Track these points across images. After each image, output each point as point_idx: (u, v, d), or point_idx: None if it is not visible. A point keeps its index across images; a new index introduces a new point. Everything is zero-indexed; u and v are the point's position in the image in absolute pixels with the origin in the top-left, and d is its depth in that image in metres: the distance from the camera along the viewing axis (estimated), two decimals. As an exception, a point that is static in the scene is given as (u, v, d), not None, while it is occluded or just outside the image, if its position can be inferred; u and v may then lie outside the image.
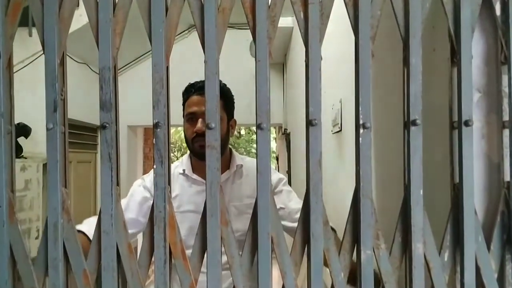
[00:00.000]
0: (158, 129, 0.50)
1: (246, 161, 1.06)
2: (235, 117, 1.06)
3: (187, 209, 0.99)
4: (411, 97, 0.51)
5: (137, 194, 1.00)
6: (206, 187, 0.50)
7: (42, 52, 0.53)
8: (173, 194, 0.99)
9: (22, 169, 2.29)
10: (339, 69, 1.24)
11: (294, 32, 3.28)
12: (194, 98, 0.98)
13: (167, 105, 0.52)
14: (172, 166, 1.05)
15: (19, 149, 2.62)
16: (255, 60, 0.51)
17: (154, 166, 0.50)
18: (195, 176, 1.02)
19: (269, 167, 0.50)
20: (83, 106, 3.74)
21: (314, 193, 0.50)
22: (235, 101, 1.06)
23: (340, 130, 1.34)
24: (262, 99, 0.51)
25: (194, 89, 1.00)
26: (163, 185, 0.50)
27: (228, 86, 1.03)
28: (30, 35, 2.89)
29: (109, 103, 0.50)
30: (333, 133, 1.46)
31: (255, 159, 1.09)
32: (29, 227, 2.45)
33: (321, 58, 0.52)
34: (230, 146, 1.07)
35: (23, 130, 2.42)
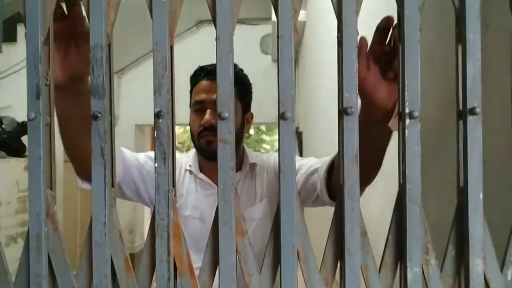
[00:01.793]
0: (160, 120, 0.42)
1: (259, 159, 0.95)
2: None
3: (190, 215, 0.88)
4: (469, 80, 0.41)
5: (140, 157, 0.87)
6: (218, 190, 0.42)
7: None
8: (178, 193, 0.89)
9: (27, 169, 2.23)
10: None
11: (307, 27, 3.18)
12: (203, 83, 0.85)
13: (172, 91, 0.43)
14: (178, 156, 0.95)
15: (24, 148, 2.57)
16: (277, 35, 0.42)
17: (156, 165, 0.42)
18: (202, 176, 0.89)
19: (294, 165, 0.41)
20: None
21: (349, 197, 0.41)
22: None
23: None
24: (285, 83, 0.42)
25: (203, 73, 0.87)
26: (166, 187, 0.42)
27: None
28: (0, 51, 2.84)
29: (101, 88, 0.42)
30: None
31: (267, 155, 0.99)
32: (35, 227, 2.41)
33: (358, 34, 0.42)
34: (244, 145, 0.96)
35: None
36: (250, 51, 4.26)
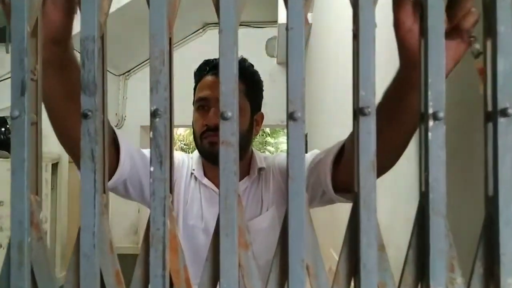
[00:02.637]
0: (157, 119, 0.38)
1: (267, 162, 0.88)
2: None
3: (194, 224, 0.83)
4: (499, 78, 0.37)
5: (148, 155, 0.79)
6: (219, 197, 0.38)
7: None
8: (180, 197, 0.83)
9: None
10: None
11: (313, 29, 3.15)
12: (208, 79, 0.79)
13: (170, 88, 0.39)
14: (182, 157, 0.88)
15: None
16: (286, 28, 0.38)
17: (151, 169, 0.38)
18: (206, 182, 0.83)
19: (303, 171, 0.37)
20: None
21: (365, 207, 0.37)
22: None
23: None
24: (295, 80, 0.38)
25: (208, 67, 0.81)
26: (162, 193, 0.38)
27: None
28: (7, 51, 2.84)
29: (92, 85, 0.38)
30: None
31: (273, 156, 0.93)
32: (36, 230, 2.38)
33: (375, 26, 0.38)
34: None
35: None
36: (255, 53, 4.22)
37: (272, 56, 4.37)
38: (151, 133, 0.38)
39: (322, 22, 2.71)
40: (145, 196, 0.80)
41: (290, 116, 0.38)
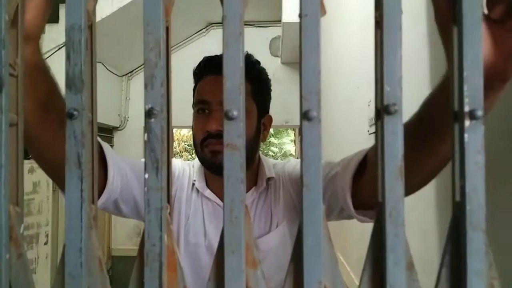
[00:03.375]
0: (152, 119, 0.33)
1: (276, 170, 0.79)
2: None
3: (197, 242, 0.75)
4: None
5: (142, 166, 0.71)
6: (223, 209, 0.33)
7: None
8: (181, 211, 0.77)
9: (30, 171, 2.17)
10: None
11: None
12: (209, 78, 0.71)
13: (167, 83, 0.35)
14: (180, 164, 0.81)
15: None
16: (300, 14, 0.33)
17: (146, 176, 0.33)
18: (208, 194, 0.74)
19: (320, 178, 0.33)
20: (98, 106, 3.65)
21: (392, 221, 0.32)
22: None
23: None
24: (310, 74, 0.33)
25: (209, 65, 0.73)
26: (158, 204, 0.33)
27: None
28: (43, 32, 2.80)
29: (79, 80, 0.33)
30: (370, 134, 1.27)
31: (283, 162, 0.85)
32: (37, 232, 2.33)
33: (402, 12, 0.33)
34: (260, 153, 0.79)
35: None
36: (259, 53, 4.16)
37: (276, 56, 4.33)
38: (146, 135, 0.33)
39: (328, 16, 2.66)
40: (141, 213, 0.73)
41: (305, 116, 0.33)
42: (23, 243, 0.34)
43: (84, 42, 0.34)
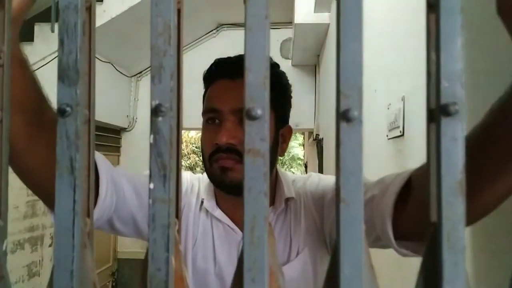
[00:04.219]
0: (160, 118, 0.28)
1: (297, 187, 0.69)
2: None
3: (206, 268, 0.65)
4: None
5: (141, 180, 0.62)
6: (243, 229, 0.27)
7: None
8: (189, 232, 0.67)
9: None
10: (400, 57, 0.99)
11: (330, 29, 3.03)
12: (220, 84, 0.63)
13: (178, 77, 0.29)
14: (188, 177, 0.75)
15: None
16: (338, -6, 0.28)
17: (151, 186, 0.28)
18: (219, 214, 0.65)
19: (362, 191, 0.27)
20: (106, 106, 3.63)
21: (450, 246, 0.26)
22: None
23: (402, 135, 1.08)
24: (349, 65, 0.27)
25: (221, 68, 0.65)
26: (165, 220, 0.27)
27: None
28: (53, 31, 2.78)
29: (73, 71, 0.28)
30: (389, 139, 1.21)
31: (305, 177, 0.76)
32: (42, 234, 2.30)
33: (462, -8, 0.28)
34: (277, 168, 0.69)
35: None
36: (270, 55, 4.14)
37: (287, 58, 4.27)
38: (151, 137, 0.28)
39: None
40: (141, 231, 0.65)
41: (343, 116, 0.27)
42: (5, 263, 0.28)
43: (81, 25, 0.29)
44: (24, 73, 0.38)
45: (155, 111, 0.28)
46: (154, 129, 0.28)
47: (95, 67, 0.31)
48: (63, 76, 0.28)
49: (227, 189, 0.62)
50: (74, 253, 0.27)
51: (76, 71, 0.28)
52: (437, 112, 0.27)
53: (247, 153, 0.28)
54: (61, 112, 0.28)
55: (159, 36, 0.28)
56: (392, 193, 0.49)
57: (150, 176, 0.28)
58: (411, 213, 0.47)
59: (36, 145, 0.39)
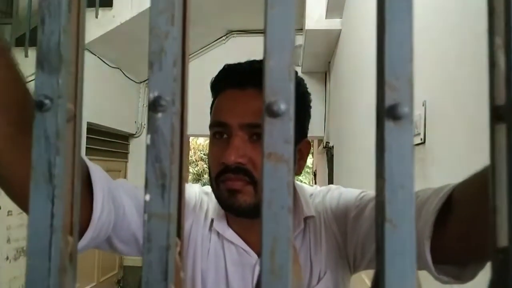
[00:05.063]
0: (159, 114, 0.23)
1: (316, 203, 0.63)
2: None
3: None
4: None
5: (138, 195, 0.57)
6: (262, 253, 0.22)
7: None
8: (197, 255, 0.60)
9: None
10: (421, 61, 0.94)
11: (342, 35, 2.98)
12: (229, 94, 0.58)
13: (183, 64, 0.24)
14: (198, 192, 0.68)
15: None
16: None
17: (147, 197, 0.22)
18: (230, 236, 0.59)
19: (413, 208, 0.21)
20: (114, 112, 3.61)
21: (530, 281, 0.20)
22: None
23: (423, 142, 1.02)
24: (397, 50, 0.22)
25: (230, 76, 0.58)
26: (163, 240, 0.22)
27: None
28: (26, 55, 2.78)
29: (55, 55, 0.23)
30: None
31: (325, 192, 0.61)
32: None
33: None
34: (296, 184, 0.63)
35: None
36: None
37: (297, 65, 4.23)
38: (148, 137, 0.23)
39: (352, 27, 2.55)
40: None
41: (389, 112, 0.21)
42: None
43: (66, 3, 0.24)
44: (3, 63, 0.34)
45: (154, 105, 0.23)
46: (152, 127, 0.23)
47: (84, 56, 0.26)
48: (42, 62, 0.23)
49: (236, 213, 0.56)
50: (50, 279, 0.22)
51: (58, 56, 0.23)
52: (508, 109, 0.22)
53: (267, 157, 0.22)
54: (39, 105, 0.23)
55: (160, 15, 0.23)
56: (431, 212, 0.43)
57: (146, 185, 0.22)
58: (454, 235, 0.41)
59: (18, 147, 0.34)
